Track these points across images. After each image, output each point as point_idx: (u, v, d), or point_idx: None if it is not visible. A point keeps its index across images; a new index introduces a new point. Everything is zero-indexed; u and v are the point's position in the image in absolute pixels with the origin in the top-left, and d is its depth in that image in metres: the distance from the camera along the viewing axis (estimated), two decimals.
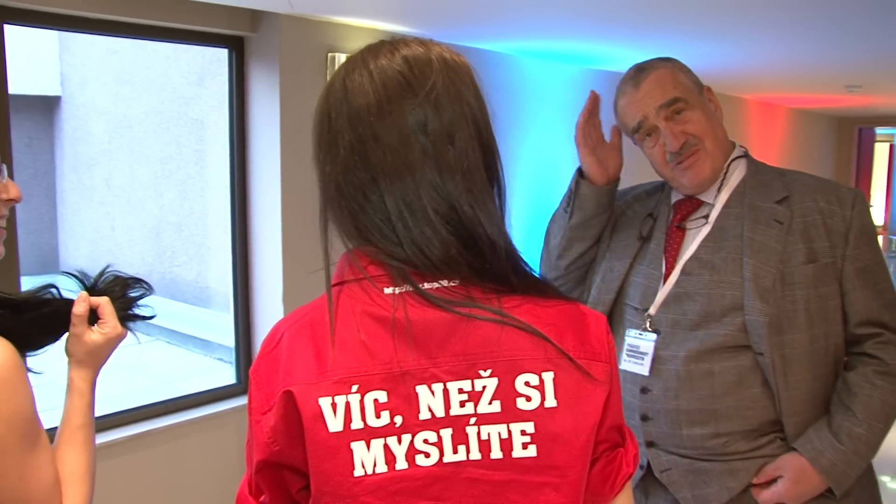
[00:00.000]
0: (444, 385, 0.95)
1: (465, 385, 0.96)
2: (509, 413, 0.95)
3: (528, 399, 0.95)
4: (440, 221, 0.96)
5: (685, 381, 1.60)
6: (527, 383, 0.96)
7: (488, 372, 0.96)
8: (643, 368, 1.64)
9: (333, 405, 0.94)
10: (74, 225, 7.50)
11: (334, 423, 0.94)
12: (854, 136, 10.49)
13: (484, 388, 0.96)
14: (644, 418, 1.65)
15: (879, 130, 11.59)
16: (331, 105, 1.02)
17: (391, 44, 1.04)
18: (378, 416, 0.94)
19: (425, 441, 0.95)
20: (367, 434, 0.94)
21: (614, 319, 1.76)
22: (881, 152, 12.66)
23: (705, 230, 1.67)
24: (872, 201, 11.94)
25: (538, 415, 0.95)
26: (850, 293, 1.59)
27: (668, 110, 1.64)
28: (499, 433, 0.95)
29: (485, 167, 1.02)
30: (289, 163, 3.46)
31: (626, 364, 1.67)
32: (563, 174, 5.27)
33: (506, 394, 0.95)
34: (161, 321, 6.20)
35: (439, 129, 0.98)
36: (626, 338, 1.70)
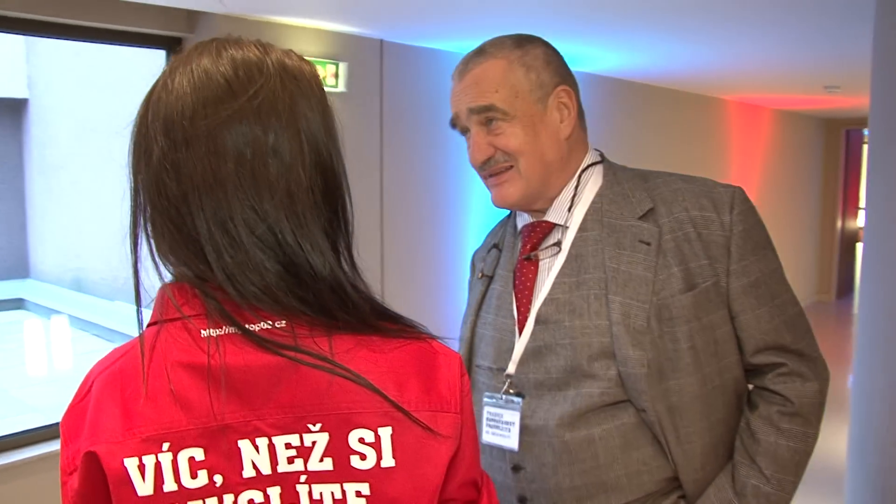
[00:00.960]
0: (270, 440, 0.85)
1: (294, 440, 0.85)
2: (343, 472, 0.85)
3: (363, 457, 0.86)
4: (257, 245, 0.85)
5: (562, 454, 1.31)
6: (361, 440, 0.86)
7: (318, 426, 0.85)
8: (511, 441, 1.34)
9: (141, 466, 0.84)
10: (43, 229, 7.44)
11: (143, 488, 0.83)
12: (842, 138, 10.39)
13: (314, 443, 0.86)
14: (522, 500, 1.37)
15: (868, 132, 11.49)
16: (149, 106, 0.91)
17: (222, 42, 0.94)
18: (194, 477, 0.84)
19: (250, 501, 0.86)
20: (183, 497, 0.84)
21: (474, 386, 1.45)
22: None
23: (559, 260, 1.37)
24: (861, 203, 11.83)
25: (373, 475, 0.85)
26: (741, 316, 1.33)
27: (479, 116, 1.36)
28: (332, 493, 0.86)
29: (322, 191, 0.90)
30: None
31: (489, 436, 1.37)
32: None
33: (338, 451, 0.85)
34: (125, 325, 6.13)
35: (261, 142, 0.87)
36: (484, 406, 1.39)
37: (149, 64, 6.53)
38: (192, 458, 0.84)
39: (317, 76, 0.97)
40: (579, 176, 1.40)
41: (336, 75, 3.70)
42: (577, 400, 1.31)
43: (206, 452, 0.85)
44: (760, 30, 3.69)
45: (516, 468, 1.35)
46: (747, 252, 1.32)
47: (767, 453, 1.32)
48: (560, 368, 1.33)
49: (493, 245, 1.53)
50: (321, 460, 0.86)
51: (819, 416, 1.35)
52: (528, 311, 1.38)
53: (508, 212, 1.55)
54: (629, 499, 1.32)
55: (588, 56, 4.62)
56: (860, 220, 11.61)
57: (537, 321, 1.35)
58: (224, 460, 0.85)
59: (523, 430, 1.34)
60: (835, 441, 3.84)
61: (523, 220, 1.46)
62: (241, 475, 0.86)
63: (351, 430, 0.85)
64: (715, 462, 1.35)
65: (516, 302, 1.40)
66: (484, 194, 4.82)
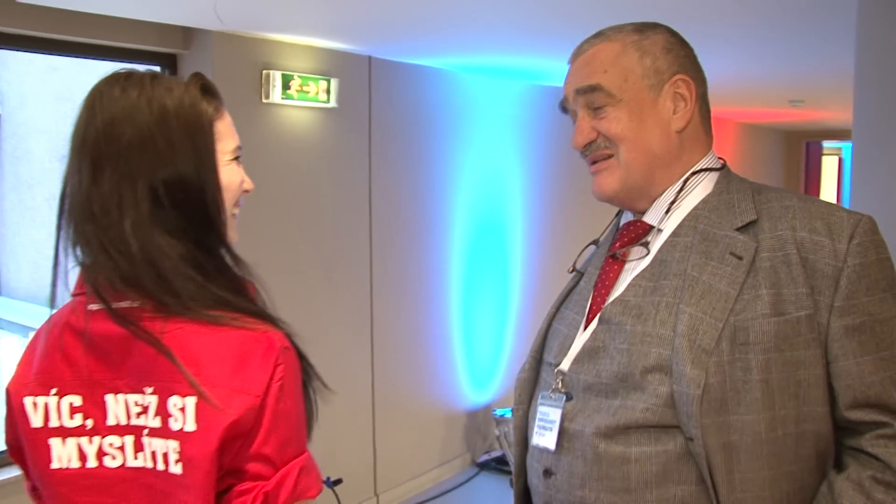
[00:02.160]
0: (125, 396, 1.06)
1: (139, 399, 1.05)
2: (165, 430, 1.04)
3: (176, 420, 1.03)
4: (106, 248, 1.05)
5: (593, 466, 1.19)
6: (175, 405, 1.03)
7: (151, 389, 1.04)
8: (548, 441, 1.25)
9: (34, 404, 1.09)
10: (16, 246, 7.33)
11: (35, 420, 1.09)
12: (802, 149, 10.70)
13: (149, 403, 1.05)
14: None
15: (826, 144, 11.83)
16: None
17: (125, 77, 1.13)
18: (72, 418, 1.08)
19: (111, 445, 1.07)
20: (63, 432, 1.08)
21: (538, 382, 1.37)
22: (830, 165, 12.91)
23: (644, 263, 1.27)
24: None
25: (181, 436, 1.03)
26: (839, 361, 1.15)
27: (586, 98, 1.28)
28: (160, 447, 1.04)
29: (170, 202, 1.07)
30: None
31: (536, 437, 1.29)
32: (506, 189, 5.28)
33: (163, 412, 1.04)
34: None
35: (92, 168, 1.07)
36: (538, 406, 1.31)
37: None
38: (71, 403, 1.08)
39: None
40: (686, 179, 1.29)
41: (328, 91, 3.76)
42: (619, 411, 1.19)
43: (83, 400, 1.08)
44: (732, 45, 3.80)
45: (547, 472, 1.27)
46: (860, 290, 1.14)
47: None
48: (611, 374, 1.21)
49: (594, 241, 1.45)
50: (154, 418, 1.04)
51: None
52: (599, 309, 1.28)
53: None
54: None
55: (559, 71, 4.73)
56: None
57: (601, 321, 1.26)
58: (94, 408, 1.07)
59: (562, 432, 1.25)
60: None
61: (626, 218, 1.37)
62: (106, 423, 1.07)
63: (169, 396, 1.03)
64: None
65: (592, 299, 1.32)
66: (471, 207, 4.94)
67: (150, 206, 1.06)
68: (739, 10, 3.05)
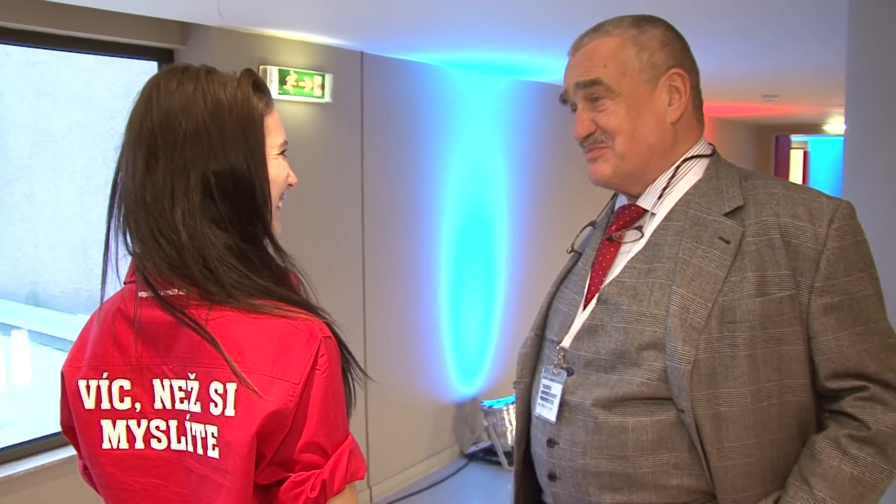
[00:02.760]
0: (171, 382, 1.09)
1: (183, 384, 1.09)
2: (206, 415, 1.06)
3: (216, 405, 1.05)
4: (156, 237, 1.08)
5: (594, 435, 1.28)
6: (216, 391, 1.05)
7: (193, 375, 1.07)
8: (551, 414, 1.34)
9: (87, 387, 1.13)
10: None
11: (88, 402, 1.13)
12: (771, 143, 10.93)
13: (192, 389, 1.08)
14: (551, 477, 1.36)
15: (794, 138, 12.09)
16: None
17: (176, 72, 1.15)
18: (122, 401, 1.12)
19: (157, 428, 1.11)
20: (113, 414, 1.12)
21: (540, 357, 1.45)
22: (796, 158, 13.20)
23: (638, 246, 1.35)
24: None
25: (220, 421, 1.05)
26: (819, 337, 1.23)
27: (585, 91, 1.35)
28: (200, 431, 1.07)
29: (215, 195, 1.10)
30: None
31: (539, 408, 1.38)
32: (493, 183, 5.33)
33: (203, 397, 1.06)
34: None
35: (147, 158, 1.10)
36: (541, 378, 1.40)
37: (112, 74, 6.44)
38: (121, 387, 1.12)
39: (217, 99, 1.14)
40: (678, 166, 1.36)
41: (322, 86, 3.79)
42: (617, 385, 1.27)
43: (132, 384, 1.12)
44: (707, 40, 3.86)
45: (551, 442, 1.35)
46: (838, 271, 1.22)
47: (825, 476, 1.21)
48: (609, 350, 1.30)
49: (591, 223, 1.53)
50: (195, 403, 1.07)
51: None
52: (597, 290, 1.36)
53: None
54: (653, 501, 1.26)
55: (544, 67, 4.81)
56: None
57: (599, 300, 1.34)
58: (143, 392, 1.11)
59: (563, 405, 1.33)
60: None
61: (621, 202, 1.44)
62: (153, 406, 1.11)
63: (211, 382, 1.06)
64: (761, 487, 1.25)
65: (590, 280, 1.39)
66: (461, 201, 4.99)
67: (201, 196, 1.09)
68: (723, 6, 3.12)
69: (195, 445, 1.08)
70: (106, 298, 1.20)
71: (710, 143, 1.41)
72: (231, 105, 1.12)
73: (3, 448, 3.08)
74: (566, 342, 1.36)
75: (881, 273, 1.60)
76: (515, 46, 4.09)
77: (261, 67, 3.53)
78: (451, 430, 5.14)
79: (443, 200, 4.86)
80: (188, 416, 1.08)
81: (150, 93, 1.12)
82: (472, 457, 5.14)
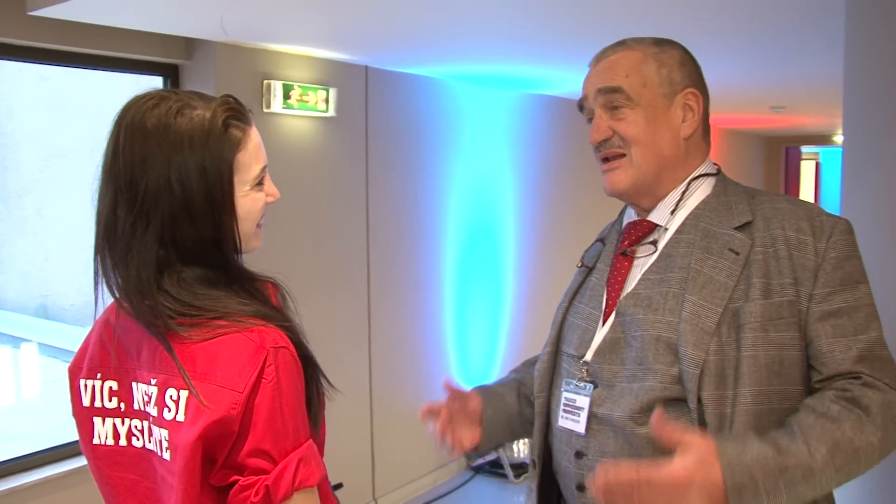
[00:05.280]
0: (141, 385, 1.18)
1: (146, 389, 1.17)
2: (161, 420, 1.14)
3: (170, 410, 1.12)
4: (116, 267, 1.16)
5: (624, 445, 1.33)
6: (170, 397, 1.12)
7: (154, 381, 1.15)
8: (579, 426, 1.38)
9: (86, 386, 1.23)
10: (5, 256, 7.30)
11: (86, 400, 1.23)
12: (782, 154, 10.90)
13: (152, 394, 1.15)
14: (580, 488, 1.38)
15: (805, 149, 12.05)
16: None
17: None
18: (111, 400, 1.21)
19: (136, 427, 1.20)
20: (103, 413, 1.21)
21: (557, 371, 1.49)
22: (808, 170, 13.15)
23: (652, 259, 1.41)
24: None
25: (171, 425, 1.12)
26: (815, 343, 1.28)
27: (606, 98, 1.40)
28: (157, 434, 1.15)
29: (161, 243, 1.15)
30: None
31: (563, 421, 1.41)
32: (498, 195, 5.34)
33: (160, 402, 1.14)
34: None
35: (114, 199, 1.15)
36: (562, 392, 1.43)
37: (121, 89, 6.50)
38: (111, 387, 1.22)
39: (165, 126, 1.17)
40: (689, 182, 1.42)
41: (327, 100, 3.82)
42: (640, 393, 1.31)
43: (118, 385, 1.21)
44: (714, 52, 3.87)
45: (579, 454, 1.38)
46: (834, 281, 1.29)
47: (801, 423, 1.20)
48: (633, 360, 1.34)
49: (599, 239, 1.57)
50: (154, 407, 1.15)
51: (886, 420, 1.21)
52: (615, 304, 1.41)
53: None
54: None
55: (551, 79, 4.82)
56: None
57: (617, 313, 1.39)
58: (126, 393, 1.20)
59: (591, 417, 1.37)
60: None
61: (629, 218, 1.50)
62: (133, 407, 1.19)
63: (167, 389, 1.13)
64: None
65: (607, 295, 1.44)
66: (464, 213, 5.00)
67: (160, 249, 1.14)
68: (727, 20, 3.13)
69: (157, 446, 1.15)
70: (101, 308, 1.26)
71: (715, 164, 1.48)
72: (199, 162, 1.14)
73: (10, 460, 3.10)
74: (589, 356, 1.41)
75: (882, 283, 1.60)
76: (519, 59, 4.11)
77: (265, 82, 3.57)
78: None
79: (448, 214, 4.88)
80: (151, 418, 1.16)
81: (120, 131, 1.15)
82: (478, 469, 5.13)
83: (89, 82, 6.15)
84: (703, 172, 1.44)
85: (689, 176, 1.43)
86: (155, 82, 3.51)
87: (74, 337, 6.61)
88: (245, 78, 3.52)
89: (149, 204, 1.12)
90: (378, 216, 4.35)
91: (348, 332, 4.21)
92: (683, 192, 1.42)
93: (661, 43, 1.44)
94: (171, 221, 1.13)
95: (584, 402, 1.38)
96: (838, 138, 10.31)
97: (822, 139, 10.70)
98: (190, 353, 1.11)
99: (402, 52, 3.88)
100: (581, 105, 1.47)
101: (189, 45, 3.46)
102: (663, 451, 1.23)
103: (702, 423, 1.26)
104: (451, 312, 4.96)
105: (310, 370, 1.18)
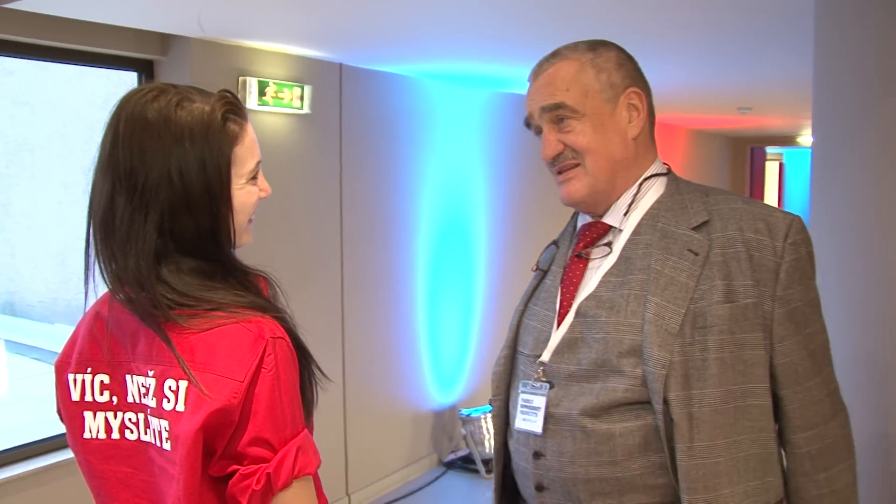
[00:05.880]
0: (136, 377, 1.17)
1: (143, 380, 1.16)
2: (160, 410, 1.14)
3: (169, 401, 1.12)
4: (115, 257, 1.16)
5: (582, 444, 1.33)
6: (169, 387, 1.12)
7: (151, 372, 1.15)
8: (536, 426, 1.38)
9: (75, 380, 1.22)
10: None
11: (75, 394, 1.22)
12: (747, 154, 11.08)
13: (150, 385, 1.15)
14: (539, 488, 1.39)
15: (769, 149, 12.26)
16: None
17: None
18: (102, 394, 1.20)
19: (129, 420, 1.19)
20: (94, 407, 1.20)
21: (514, 373, 1.50)
22: (772, 170, 13.38)
23: (609, 261, 1.42)
24: None
25: (172, 416, 1.12)
26: (785, 341, 1.34)
27: (550, 114, 1.42)
28: (156, 425, 1.15)
29: (160, 233, 1.15)
30: None
31: (521, 422, 1.41)
32: (469, 192, 5.38)
33: (159, 393, 1.14)
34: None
35: (112, 189, 1.16)
36: (519, 392, 1.43)
37: (91, 83, 6.42)
38: (102, 381, 1.21)
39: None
40: (640, 183, 1.44)
41: (301, 97, 3.82)
42: (601, 393, 1.33)
43: (110, 379, 1.20)
44: (682, 54, 3.93)
45: (537, 454, 1.38)
46: (795, 281, 1.34)
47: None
48: (590, 361, 1.35)
49: (553, 242, 1.58)
50: (152, 398, 1.15)
51: (847, 449, 1.42)
52: (570, 305, 1.42)
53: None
54: (644, 501, 1.32)
55: (520, 78, 4.85)
56: None
57: (577, 314, 1.39)
58: (118, 386, 1.20)
59: (548, 417, 1.37)
60: None
61: (584, 220, 1.50)
62: (126, 399, 1.19)
63: (166, 380, 1.13)
64: (728, 487, 1.29)
65: (561, 296, 1.44)
66: (437, 211, 5.03)
67: (156, 235, 1.14)
68: (695, 20, 3.17)
69: (155, 438, 1.15)
70: (91, 300, 1.26)
71: (665, 163, 1.50)
72: (198, 155, 1.15)
73: None
74: (545, 356, 1.41)
75: (845, 282, 1.67)
76: (492, 58, 4.14)
77: (240, 79, 3.56)
78: (430, 439, 5.17)
79: (421, 211, 4.90)
80: (149, 410, 1.16)
81: (119, 122, 1.16)
82: (450, 465, 5.17)
83: (58, 77, 6.08)
84: (654, 173, 1.46)
85: (640, 177, 1.44)
86: (129, 77, 3.49)
87: (42, 334, 6.53)
88: (220, 74, 3.51)
89: (149, 195, 1.13)
90: (351, 213, 4.37)
91: (322, 329, 4.22)
92: (635, 194, 1.43)
93: (595, 47, 1.45)
94: (170, 212, 1.13)
95: (540, 401, 1.39)
96: (802, 139, 10.51)
97: (787, 140, 10.90)
98: (188, 343, 1.12)
99: (377, 50, 3.89)
100: (528, 122, 1.48)
101: (164, 41, 3.45)
102: (622, 445, 1.31)
103: (667, 424, 1.28)
104: (423, 309, 4.99)
105: (304, 360, 1.20)
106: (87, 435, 1.21)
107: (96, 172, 1.17)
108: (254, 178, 1.24)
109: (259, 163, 1.25)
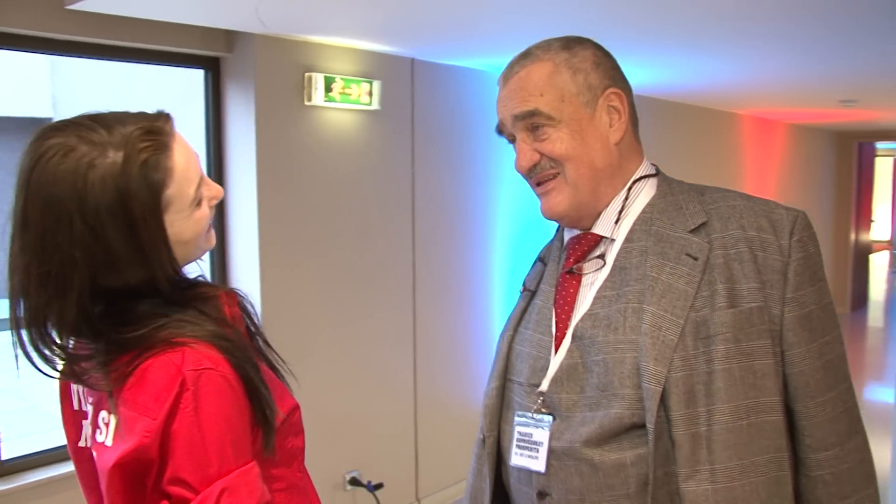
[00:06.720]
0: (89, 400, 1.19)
1: (86, 407, 1.19)
2: (94, 440, 1.14)
3: (101, 433, 1.12)
4: (68, 310, 1.10)
5: (591, 479, 1.19)
6: (102, 419, 1.12)
7: (91, 400, 1.16)
8: (538, 464, 1.24)
9: (75, 390, 1.24)
10: None
11: (75, 403, 1.24)
12: (854, 151, 10.42)
13: (88, 412, 1.18)
14: None
15: (880, 145, 11.52)
16: None
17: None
18: (86, 406, 1.21)
19: (91, 432, 1.18)
20: (83, 416, 1.22)
21: (507, 405, 1.36)
22: (884, 167, 12.59)
23: (603, 274, 1.28)
24: (875, 216, 11.84)
25: (99, 448, 1.12)
26: (795, 349, 1.21)
27: (524, 122, 1.29)
28: (93, 453, 1.15)
29: (48, 297, 1.08)
30: (265, 183, 3.42)
31: (518, 458, 1.27)
32: None
33: (94, 423, 1.14)
34: None
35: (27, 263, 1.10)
36: (515, 425, 1.30)
37: (178, 80, 6.58)
38: (85, 391, 1.19)
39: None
40: (629, 188, 1.31)
41: (370, 93, 3.75)
42: (605, 421, 1.19)
43: (84, 392, 1.19)
44: (778, 45, 3.73)
45: (541, 494, 1.25)
46: (804, 282, 1.22)
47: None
48: (594, 387, 1.22)
49: (539, 258, 1.45)
50: (90, 426, 1.16)
51: (866, 477, 1.28)
52: (566, 327, 1.28)
53: (556, 225, 1.45)
54: None
55: None
56: (873, 233, 11.62)
57: (573, 338, 1.26)
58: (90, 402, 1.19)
59: (550, 452, 1.24)
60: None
61: (571, 233, 1.38)
62: (87, 414, 1.19)
63: (100, 410, 1.12)
64: None
65: (556, 318, 1.31)
66: (514, 208, 4.87)
67: (80, 307, 1.08)
68: (792, 9, 2.97)
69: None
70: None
71: (653, 164, 1.37)
72: (121, 225, 1.05)
73: None
74: (544, 385, 1.28)
75: None
76: None
77: (305, 75, 3.51)
78: None
79: (496, 208, 4.77)
80: (90, 435, 1.19)
81: (28, 199, 1.06)
82: None
83: (146, 75, 6.24)
84: (642, 174, 1.33)
85: (627, 181, 1.32)
86: (196, 75, 3.49)
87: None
88: (286, 70, 3.47)
89: (64, 278, 1.06)
90: (424, 212, 4.27)
91: (393, 331, 4.14)
92: (625, 200, 1.31)
93: (570, 46, 1.31)
94: (91, 282, 1.07)
95: (542, 435, 1.25)
96: None
97: None
98: (123, 375, 1.08)
99: (450, 44, 3.79)
100: (499, 130, 1.36)
101: (230, 38, 3.43)
102: (635, 475, 1.17)
103: (658, 445, 1.15)
104: (498, 310, 4.86)
105: (250, 391, 1.11)
106: (81, 443, 1.23)
107: (11, 239, 1.10)
108: (199, 202, 1.14)
109: (201, 177, 1.14)
